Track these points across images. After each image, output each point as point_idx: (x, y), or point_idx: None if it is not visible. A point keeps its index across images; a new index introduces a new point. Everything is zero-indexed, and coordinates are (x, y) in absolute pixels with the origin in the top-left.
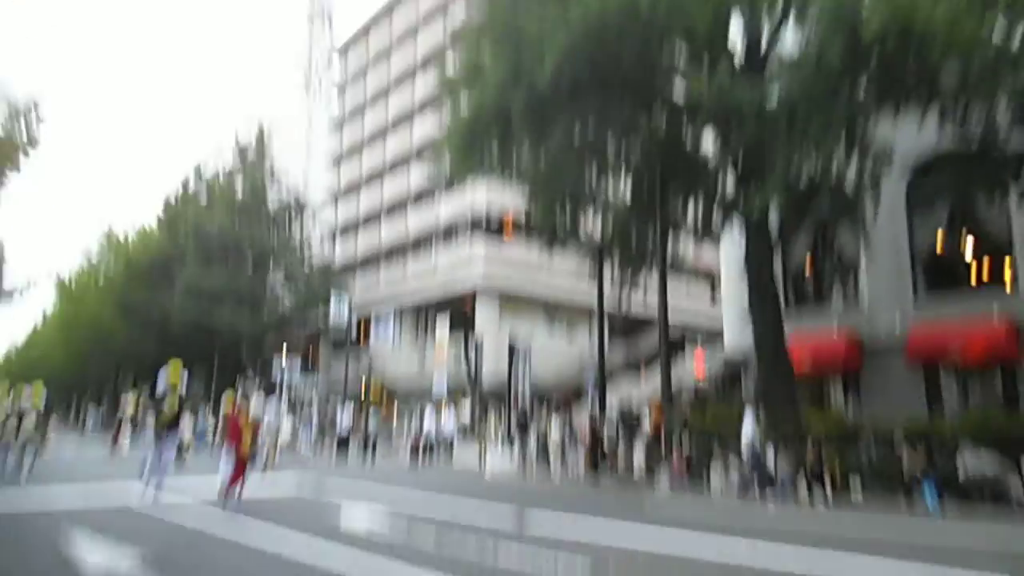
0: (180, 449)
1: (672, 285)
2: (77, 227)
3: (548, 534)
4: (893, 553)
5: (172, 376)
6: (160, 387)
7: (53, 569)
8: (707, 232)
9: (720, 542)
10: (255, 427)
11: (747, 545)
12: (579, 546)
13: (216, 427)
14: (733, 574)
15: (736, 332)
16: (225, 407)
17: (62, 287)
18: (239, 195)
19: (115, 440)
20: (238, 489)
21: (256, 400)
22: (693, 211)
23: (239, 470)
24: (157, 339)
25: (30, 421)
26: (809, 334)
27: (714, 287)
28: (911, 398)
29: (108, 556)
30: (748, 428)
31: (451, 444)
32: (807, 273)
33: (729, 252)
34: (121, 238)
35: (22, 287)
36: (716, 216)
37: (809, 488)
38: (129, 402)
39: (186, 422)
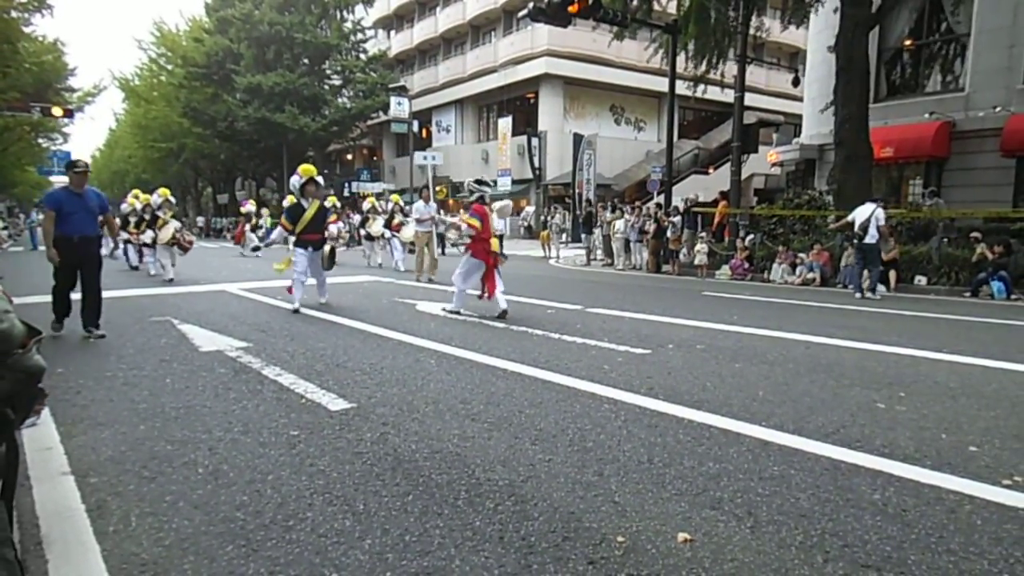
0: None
1: (750, 71)
2: (130, 22)
3: (607, 308)
4: (946, 331)
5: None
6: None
7: (177, 344)
8: (797, 8)
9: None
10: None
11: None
12: (636, 321)
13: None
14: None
15: (815, 121)
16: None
17: (127, 86)
18: None
19: (237, 239)
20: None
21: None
22: None
23: (492, 274)
24: (225, 141)
25: (171, 224)
26: (894, 127)
27: (797, 82)
28: (998, 191)
29: (222, 340)
30: (880, 217)
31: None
32: (903, 57)
33: (818, 33)
34: (172, 29)
35: (92, 90)
36: None
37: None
38: (249, 202)
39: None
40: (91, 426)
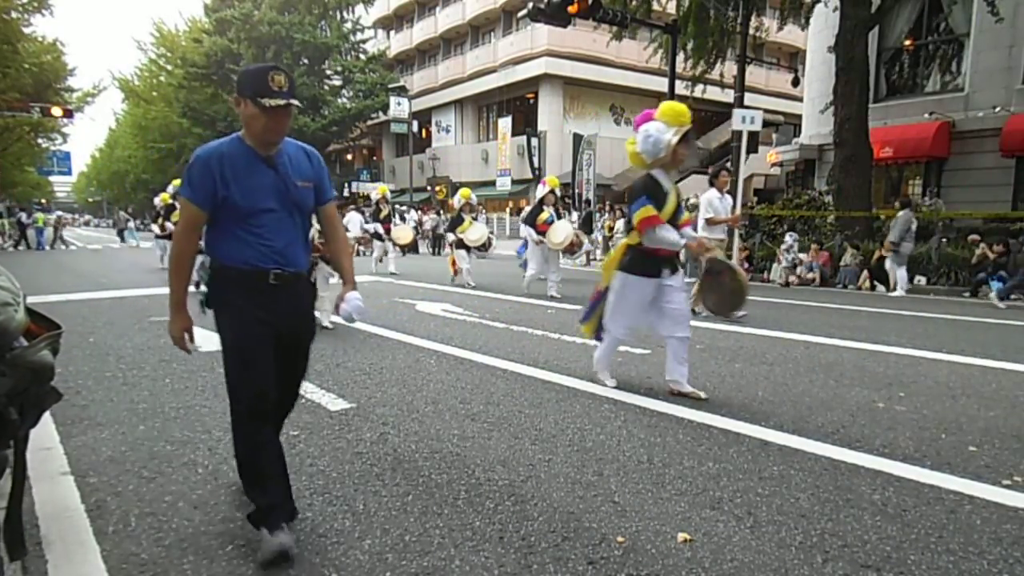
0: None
1: (750, 71)
2: (130, 22)
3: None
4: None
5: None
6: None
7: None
8: (795, 8)
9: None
10: None
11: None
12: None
13: None
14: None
15: (815, 121)
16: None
17: (126, 86)
18: None
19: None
20: None
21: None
22: None
23: None
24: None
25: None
26: (893, 127)
27: (797, 82)
28: (998, 192)
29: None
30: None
31: None
32: (902, 57)
33: (818, 33)
34: (171, 29)
35: (92, 91)
36: None
37: (873, 280)
38: None
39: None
40: (91, 426)
